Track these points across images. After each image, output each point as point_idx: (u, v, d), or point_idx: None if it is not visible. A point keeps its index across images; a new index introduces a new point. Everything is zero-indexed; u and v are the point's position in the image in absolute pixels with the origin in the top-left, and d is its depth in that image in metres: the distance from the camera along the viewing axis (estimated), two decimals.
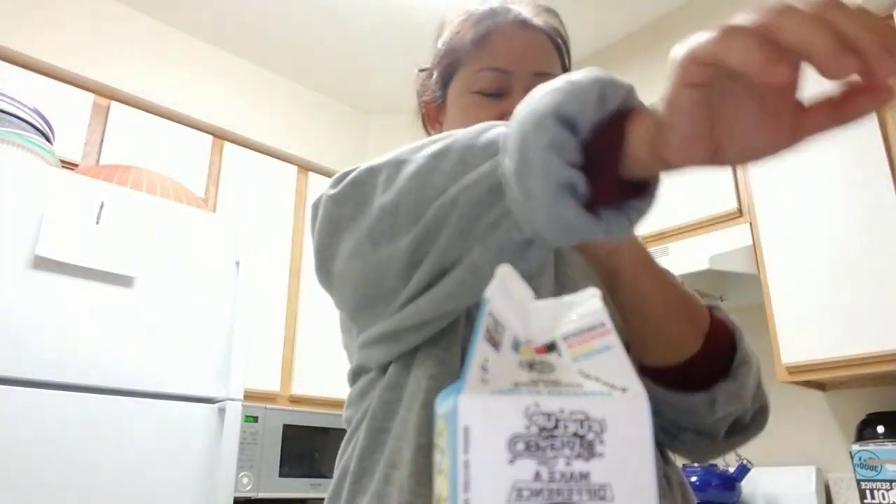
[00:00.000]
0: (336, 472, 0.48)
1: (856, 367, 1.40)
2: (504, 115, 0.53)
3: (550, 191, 0.29)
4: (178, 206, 1.47)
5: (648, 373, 0.47)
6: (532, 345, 0.22)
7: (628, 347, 0.48)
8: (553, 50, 0.57)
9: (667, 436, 0.50)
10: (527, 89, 0.53)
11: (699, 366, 0.46)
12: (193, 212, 1.49)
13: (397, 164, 0.40)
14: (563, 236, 0.31)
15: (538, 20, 0.57)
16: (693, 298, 0.48)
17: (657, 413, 0.48)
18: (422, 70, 0.64)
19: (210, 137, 2.09)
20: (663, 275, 0.47)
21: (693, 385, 0.46)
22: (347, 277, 0.43)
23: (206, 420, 1.37)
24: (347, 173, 0.44)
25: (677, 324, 0.46)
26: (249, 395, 1.78)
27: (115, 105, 1.90)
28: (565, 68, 0.59)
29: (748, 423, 0.50)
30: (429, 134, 0.64)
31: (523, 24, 0.56)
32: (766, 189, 1.68)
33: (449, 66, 0.59)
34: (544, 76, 0.54)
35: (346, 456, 0.48)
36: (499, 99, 0.55)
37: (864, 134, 1.50)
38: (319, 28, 2.08)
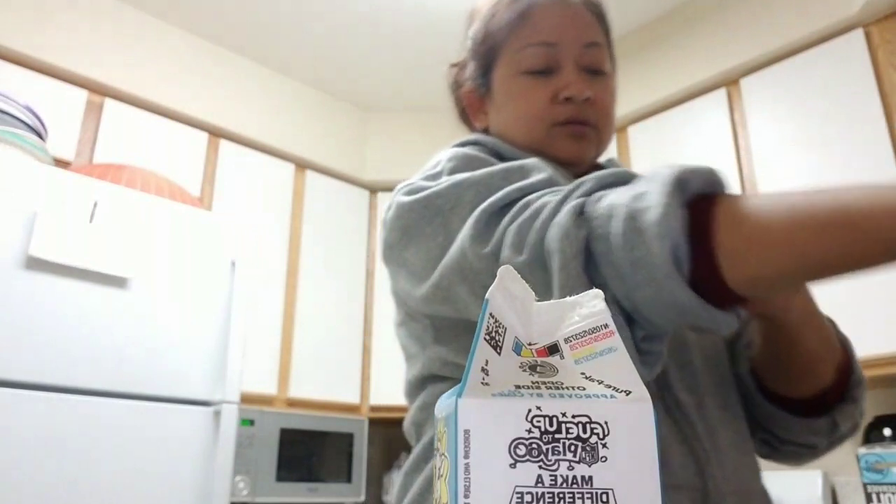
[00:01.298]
0: None
1: (863, 369, 1.40)
2: (557, 95, 0.51)
3: (671, 273, 0.34)
4: (172, 204, 1.46)
5: (773, 398, 0.49)
6: (534, 347, 0.22)
7: (759, 377, 0.49)
8: (596, 20, 0.55)
9: (767, 447, 0.52)
10: (577, 62, 0.52)
11: (825, 393, 0.48)
12: (188, 211, 1.48)
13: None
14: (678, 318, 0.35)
15: None
16: (834, 338, 0.49)
17: (765, 429, 0.50)
18: (453, 65, 0.61)
19: (205, 135, 2.07)
20: (823, 323, 0.48)
21: (814, 408, 0.48)
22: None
23: (201, 423, 1.36)
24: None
25: (823, 364, 0.47)
26: (245, 398, 1.77)
27: (108, 102, 1.88)
28: (609, 41, 0.56)
29: (848, 431, 0.51)
30: (471, 127, 0.61)
31: None
32: (772, 185, 1.68)
33: (489, 52, 0.56)
34: (593, 46, 0.53)
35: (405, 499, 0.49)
36: (549, 76, 0.52)
37: (870, 133, 1.51)
38: (317, 25, 2.08)
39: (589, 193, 0.39)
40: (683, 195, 0.35)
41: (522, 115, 0.53)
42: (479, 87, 0.58)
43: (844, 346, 0.50)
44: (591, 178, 0.40)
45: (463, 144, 0.55)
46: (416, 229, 0.44)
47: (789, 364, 0.47)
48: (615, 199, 0.37)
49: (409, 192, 0.47)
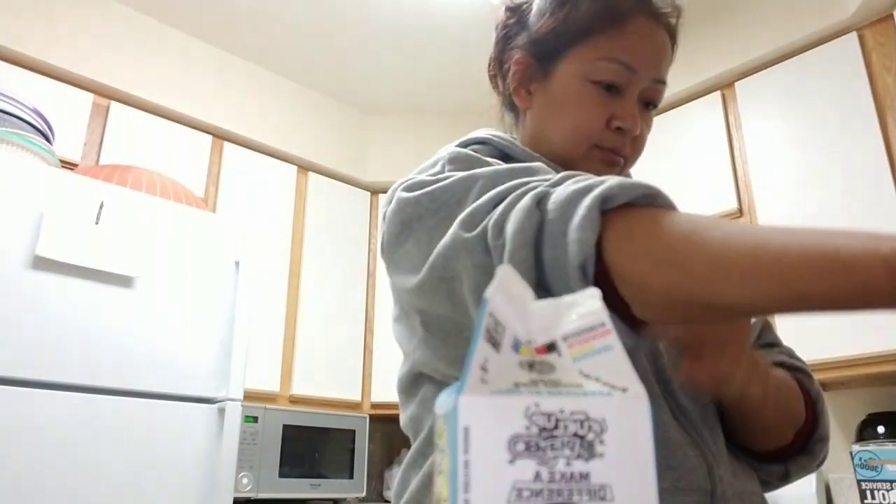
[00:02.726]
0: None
1: (856, 367, 1.40)
2: (612, 120, 0.51)
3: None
4: (177, 206, 1.47)
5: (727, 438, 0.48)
6: (532, 345, 0.22)
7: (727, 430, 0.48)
8: (671, 55, 0.54)
9: None
10: (642, 94, 0.52)
11: (779, 450, 0.48)
12: (193, 212, 1.49)
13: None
14: None
15: (672, 18, 0.53)
16: (799, 401, 0.48)
17: None
18: (510, 8, 0.56)
19: (210, 137, 2.08)
20: (787, 395, 0.46)
21: (767, 455, 0.48)
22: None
23: (205, 420, 1.37)
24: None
25: (780, 431, 0.47)
26: (249, 396, 1.78)
27: (114, 105, 1.89)
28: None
29: (802, 476, 0.51)
30: (501, 90, 0.57)
31: (659, 19, 0.52)
32: (767, 189, 1.68)
33: (566, 37, 0.52)
34: (661, 84, 0.53)
35: (405, 493, 0.48)
36: (612, 95, 0.51)
37: (864, 134, 1.50)
38: (320, 28, 2.08)
39: (560, 183, 0.38)
40: (614, 202, 0.34)
41: (575, 126, 0.52)
42: (538, 66, 0.54)
43: (815, 403, 0.48)
44: (572, 172, 0.39)
45: (466, 144, 0.54)
46: (419, 222, 0.44)
47: (745, 430, 0.47)
48: (568, 192, 0.36)
49: (410, 188, 0.46)
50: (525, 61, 0.54)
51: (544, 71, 0.53)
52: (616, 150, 0.52)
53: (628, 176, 0.59)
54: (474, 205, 0.40)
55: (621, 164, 0.53)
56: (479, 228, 0.39)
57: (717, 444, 0.45)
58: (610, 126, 0.51)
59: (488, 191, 0.41)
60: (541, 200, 0.37)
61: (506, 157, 0.52)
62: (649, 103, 0.53)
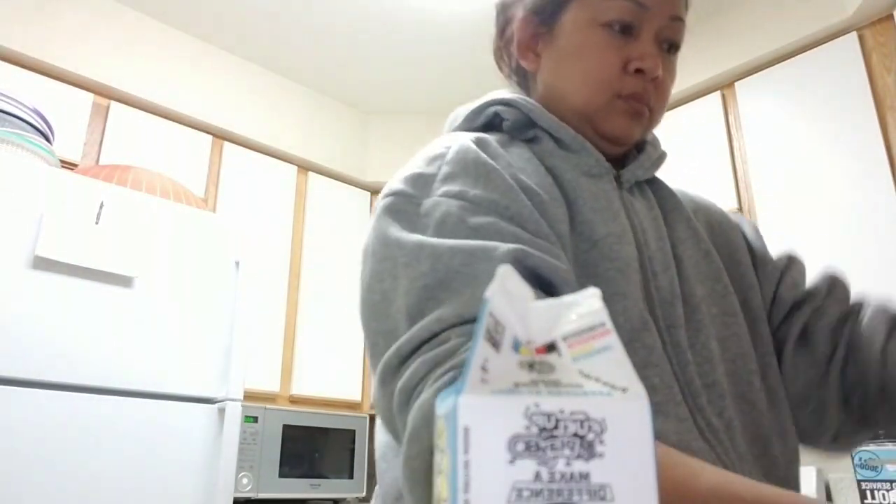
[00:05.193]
0: None
1: None
2: (629, 64, 0.47)
3: None
4: (177, 206, 1.47)
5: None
6: (532, 345, 0.22)
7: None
8: None
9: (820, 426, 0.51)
10: (657, 33, 0.47)
11: None
12: (193, 212, 1.49)
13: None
14: None
15: None
16: None
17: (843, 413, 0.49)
18: None
19: (210, 137, 2.08)
20: None
21: None
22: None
23: (205, 420, 1.37)
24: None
25: None
26: (249, 396, 1.78)
27: (114, 105, 1.89)
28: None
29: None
30: (508, 64, 0.53)
31: None
32: (767, 188, 1.68)
33: None
34: (678, 21, 0.49)
35: None
36: (626, 39, 0.47)
37: (864, 133, 1.51)
38: (319, 29, 2.08)
39: (449, 371, 0.34)
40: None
41: (590, 76, 0.48)
42: (541, 23, 0.50)
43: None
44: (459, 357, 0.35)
45: (490, 104, 0.50)
46: (372, 256, 0.43)
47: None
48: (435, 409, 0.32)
49: (393, 194, 0.44)
50: (527, 21, 0.51)
51: (548, 26, 0.50)
52: (638, 96, 0.48)
53: (653, 139, 0.55)
54: (386, 360, 0.38)
55: (647, 115, 0.49)
56: (385, 401, 0.38)
57: (744, 464, 0.43)
58: (628, 69, 0.47)
59: (430, 280, 0.38)
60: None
61: (530, 123, 0.50)
62: (670, 46, 0.49)
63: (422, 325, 0.37)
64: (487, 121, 0.52)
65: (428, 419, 0.32)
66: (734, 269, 0.52)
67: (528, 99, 0.51)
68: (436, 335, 0.37)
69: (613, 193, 0.49)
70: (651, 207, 0.52)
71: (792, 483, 0.47)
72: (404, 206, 0.43)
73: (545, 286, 0.39)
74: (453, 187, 0.43)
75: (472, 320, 0.36)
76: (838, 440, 0.52)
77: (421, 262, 0.39)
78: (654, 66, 0.47)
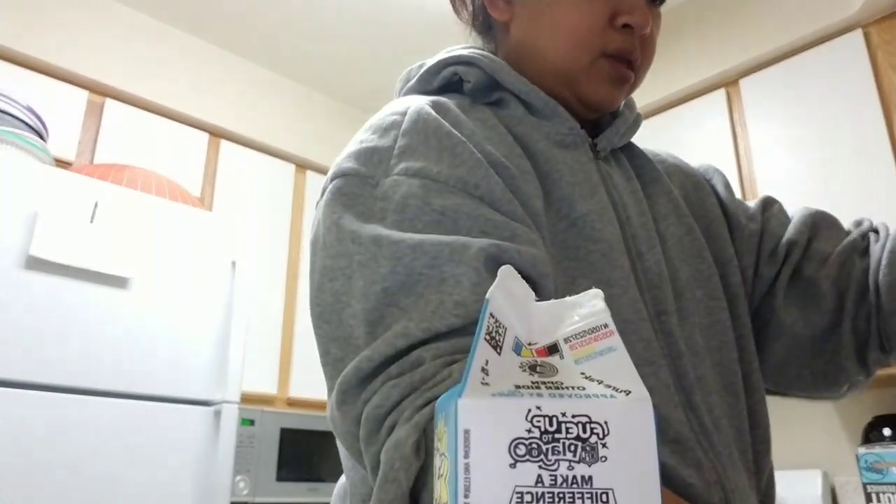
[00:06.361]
0: None
1: None
2: (616, 17, 0.42)
3: None
4: (173, 205, 1.46)
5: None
6: (534, 346, 0.22)
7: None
8: None
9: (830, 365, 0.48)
10: None
11: None
12: (189, 211, 1.48)
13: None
14: None
15: None
16: None
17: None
18: None
19: (206, 135, 2.07)
20: None
21: None
22: None
23: (201, 423, 1.36)
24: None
25: None
26: (246, 398, 1.77)
27: (109, 102, 1.88)
28: None
29: None
30: (478, 20, 0.48)
31: None
32: (771, 186, 1.68)
33: None
34: None
35: None
36: None
37: (870, 131, 1.51)
38: (316, 26, 2.08)
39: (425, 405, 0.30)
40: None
41: (570, 31, 0.43)
42: None
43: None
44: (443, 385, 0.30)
45: (447, 64, 0.44)
46: (323, 250, 0.37)
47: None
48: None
49: (344, 175, 0.38)
50: None
51: None
52: (626, 51, 0.43)
53: (629, 100, 0.50)
54: (346, 374, 0.33)
55: (631, 79, 0.45)
56: (350, 420, 0.33)
57: (734, 474, 0.41)
58: (614, 24, 0.43)
59: (389, 284, 0.33)
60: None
61: (495, 84, 0.44)
62: None
63: (385, 339, 0.32)
64: (445, 83, 0.46)
65: (408, 461, 0.28)
66: (713, 244, 0.48)
67: (491, 56, 0.45)
68: (401, 352, 0.32)
69: (590, 165, 0.44)
70: (629, 178, 0.47)
71: (768, 470, 0.45)
72: (358, 189, 0.38)
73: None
74: (413, 163, 0.37)
75: (444, 334, 0.32)
76: (856, 386, 0.50)
77: (379, 262, 0.34)
78: (644, 22, 0.43)
